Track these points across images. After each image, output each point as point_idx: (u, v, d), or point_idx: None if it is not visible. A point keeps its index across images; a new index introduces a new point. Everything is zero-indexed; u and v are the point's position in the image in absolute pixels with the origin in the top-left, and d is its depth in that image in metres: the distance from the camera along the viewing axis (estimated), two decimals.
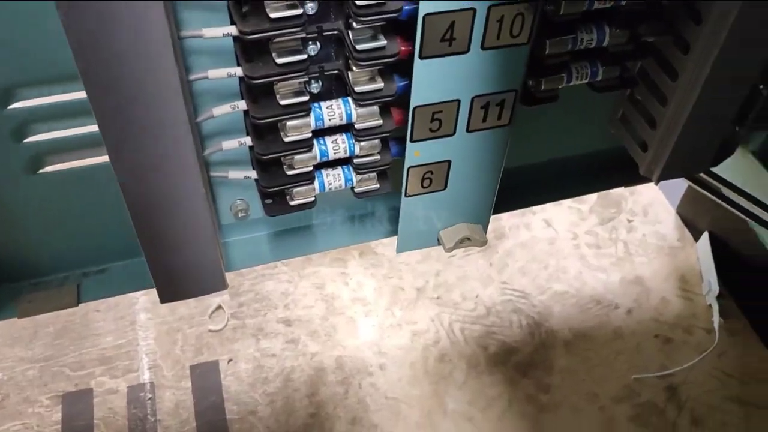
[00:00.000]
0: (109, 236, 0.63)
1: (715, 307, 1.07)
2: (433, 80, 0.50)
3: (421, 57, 0.48)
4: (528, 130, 0.68)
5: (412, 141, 0.54)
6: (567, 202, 1.23)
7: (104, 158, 0.51)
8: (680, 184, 1.21)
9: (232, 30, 0.46)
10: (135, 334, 0.99)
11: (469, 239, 0.68)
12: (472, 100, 0.53)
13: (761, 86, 0.68)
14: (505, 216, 1.21)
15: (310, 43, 0.50)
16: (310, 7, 0.47)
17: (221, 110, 0.51)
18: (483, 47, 0.49)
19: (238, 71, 0.49)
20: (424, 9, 0.46)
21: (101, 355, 0.97)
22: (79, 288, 0.65)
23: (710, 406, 0.97)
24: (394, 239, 1.23)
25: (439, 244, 0.67)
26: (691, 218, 1.20)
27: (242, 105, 0.52)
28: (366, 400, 0.95)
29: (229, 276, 1.08)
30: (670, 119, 0.61)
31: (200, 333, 1.01)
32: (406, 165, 0.57)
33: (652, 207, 1.24)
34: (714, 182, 0.75)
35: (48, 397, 0.94)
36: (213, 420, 0.92)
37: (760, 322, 1.05)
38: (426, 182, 0.59)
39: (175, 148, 0.49)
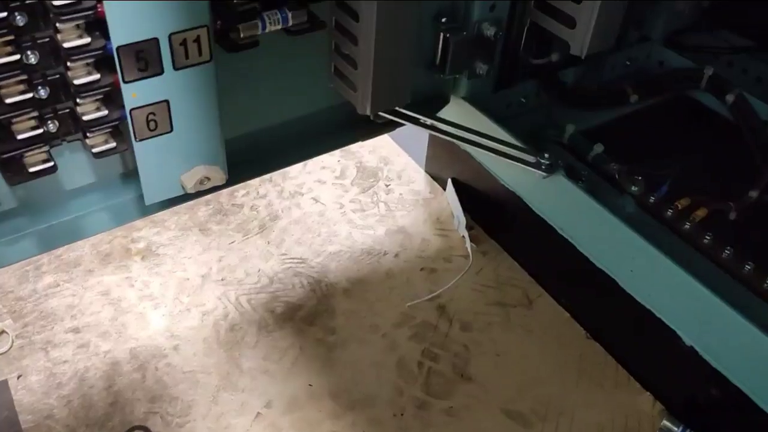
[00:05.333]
0: None
1: (466, 236, 1.23)
2: (127, 19, 0.58)
3: None
4: (261, 93, 0.77)
5: (125, 82, 0.61)
6: (330, 180, 1.35)
7: None
8: (424, 150, 1.38)
9: None
10: None
11: (208, 178, 0.75)
12: (170, 37, 0.61)
13: (447, 35, 0.83)
14: (276, 201, 1.30)
15: (17, 14, 0.55)
16: None
17: None
18: None
19: None
20: None
21: None
22: None
23: (475, 313, 1.11)
24: (170, 234, 1.27)
25: (183, 189, 0.74)
26: (437, 173, 1.37)
27: None
28: (164, 379, 0.99)
29: (10, 301, 1.08)
30: (363, 57, 0.72)
31: None
32: (127, 108, 0.63)
33: (404, 171, 1.39)
34: (446, 127, 0.84)
35: None
36: None
37: (504, 240, 1.23)
38: (152, 124, 0.66)
39: None
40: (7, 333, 1.03)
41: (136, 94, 0.63)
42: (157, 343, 1.04)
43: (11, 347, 1.02)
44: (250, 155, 0.80)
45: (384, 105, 0.79)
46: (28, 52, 0.57)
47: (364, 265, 1.18)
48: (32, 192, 0.68)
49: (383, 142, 1.45)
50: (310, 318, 1.09)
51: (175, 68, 0.63)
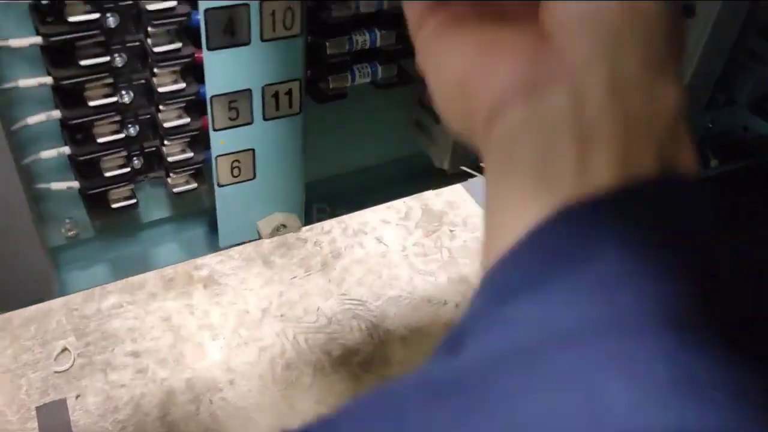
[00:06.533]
0: None
1: None
2: (224, 71, 0.58)
3: (209, 48, 0.57)
4: (338, 139, 0.77)
5: (215, 130, 0.62)
6: (394, 220, 1.35)
7: None
8: None
9: (37, 40, 0.53)
10: None
11: (285, 226, 0.75)
12: (263, 89, 0.62)
13: None
14: (340, 238, 1.30)
15: (116, 55, 0.57)
16: (111, 21, 0.55)
17: (36, 119, 0.57)
18: (262, 39, 0.58)
19: (48, 80, 0.55)
20: (204, 5, 0.55)
21: None
22: None
23: None
24: (234, 264, 1.28)
25: (259, 236, 0.74)
26: None
27: (56, 114, 0.58)
28: (217, 413, 0.99)
29: (74, 319, 1.09)
30: None
31: (46, 376, 1.02)
32: (214, 154, 0.64)
33: (470, 218, 1.38)
34: None
35: None
36: None
37: None
38: (236, 171, 0.67)
39: None
40: (69, 351, 1.05)
41: (224, 141, 0.63)
42: (214, 376, 1.04)
43: (72, 365, 1.04)
44: (323, 199, 0.80)
45: (463, 161, 0.79)
46: (123, 92, 0.58)
47: (423, 313, 1.17)
48: (107, 223, 0.69)
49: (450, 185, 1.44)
50: (366, 364, 1.08)
51: (265, 119, 0.64)
